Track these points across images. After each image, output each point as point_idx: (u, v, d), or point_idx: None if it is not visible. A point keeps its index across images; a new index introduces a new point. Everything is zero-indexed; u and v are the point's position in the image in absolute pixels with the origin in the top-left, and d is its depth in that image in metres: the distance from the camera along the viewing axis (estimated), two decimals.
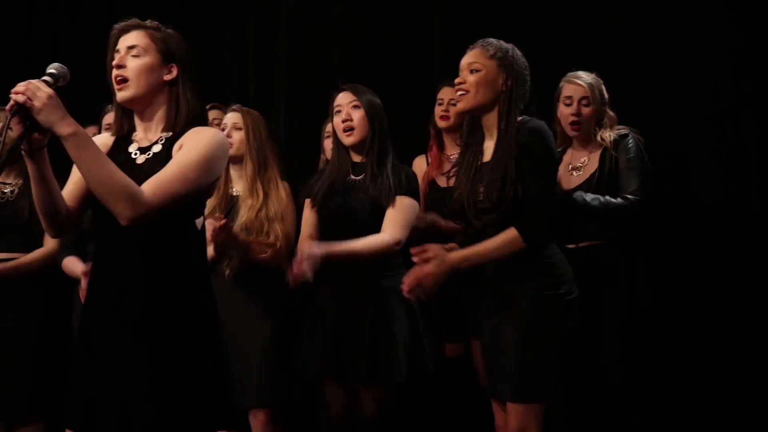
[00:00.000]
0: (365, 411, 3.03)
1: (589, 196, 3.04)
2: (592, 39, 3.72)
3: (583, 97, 3.18)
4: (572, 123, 3.20)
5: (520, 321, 2.50)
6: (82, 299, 3.05)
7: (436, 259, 2.52)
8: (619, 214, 3.06)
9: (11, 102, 1.90)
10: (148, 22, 2.25)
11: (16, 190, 3.40)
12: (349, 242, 2.89)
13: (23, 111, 1.90)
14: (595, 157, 3.21)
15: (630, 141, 3.16)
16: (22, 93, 1.90)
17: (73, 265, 3.34)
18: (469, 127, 2.67)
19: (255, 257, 3.14)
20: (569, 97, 3.20)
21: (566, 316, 2.53)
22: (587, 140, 3.25)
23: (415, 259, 2.56)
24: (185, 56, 2.25)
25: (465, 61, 2.60)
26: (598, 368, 3.14)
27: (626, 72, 3.60)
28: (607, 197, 3.06)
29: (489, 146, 2.60)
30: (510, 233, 2.47)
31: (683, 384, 3.47)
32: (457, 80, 2.61)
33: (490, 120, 2.58)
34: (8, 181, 3.42)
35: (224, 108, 3.53)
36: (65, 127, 1.92)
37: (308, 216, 3.15)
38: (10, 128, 1.92)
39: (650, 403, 3.27)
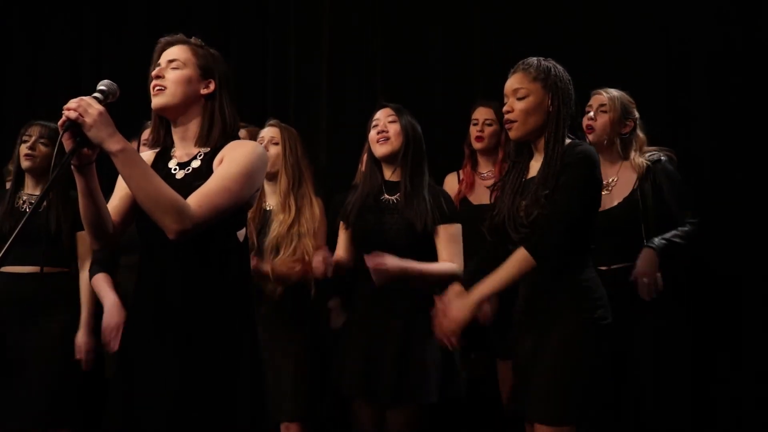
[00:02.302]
0: (393, 431, 3.02)
1: (666, 237, 3.08)
2: (637, 53, 3.74)
3: (602, 104, 3.23)
4: (587, 127, 3.23)
5: (553, 344, 2.46)
6: (105, 340, 3.18)
7: (455, 305, 2.51)
8: (692, 240, 3.11)
9: (63, 118, 1.97)
10: (192, 39, 2.33)
11: (35, 203, 3.43)
12: (422, 263, 2.94)
13: (74, 127, 1.96)
14: (626, 179, 3.21)
15: (667, 165, 3.16)
16: (74, 109, 1.96)
17: (102, 287, 3.32)
18: (517, 146, 2.64)
19: (292, 278, 3.16)
20: (590, 106, 3.27)
21: (600, 340, 2.50)
22: (612, 154, 3.25)
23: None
24: (225, 74, 2.31)
25: (509, 86, 2.57)
26: (630, 392, 3.12)
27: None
28: (679, 229, 3.10)
29: (535, 164, 2.59)
30: (519, 253, 2.44)
31: (717, 410, 3.43)
32: (504, 108, 2.58)
33: (541, 141, 2.56)
34: (37, 193, 3.45)
35: (253, 128, 3.54)
36: (114, 143, 1.98)
37: (341, 237, 3.19)
38: (62, 143, 1.98)
39: (684, 427, 3.24)
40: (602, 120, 3.23)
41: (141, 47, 4.50)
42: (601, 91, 3.26)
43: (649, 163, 3.18)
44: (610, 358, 2.54)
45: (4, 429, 3.38)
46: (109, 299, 3.27)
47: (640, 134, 3.27)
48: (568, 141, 2.51)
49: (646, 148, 3.25)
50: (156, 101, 2.24)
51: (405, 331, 2.97)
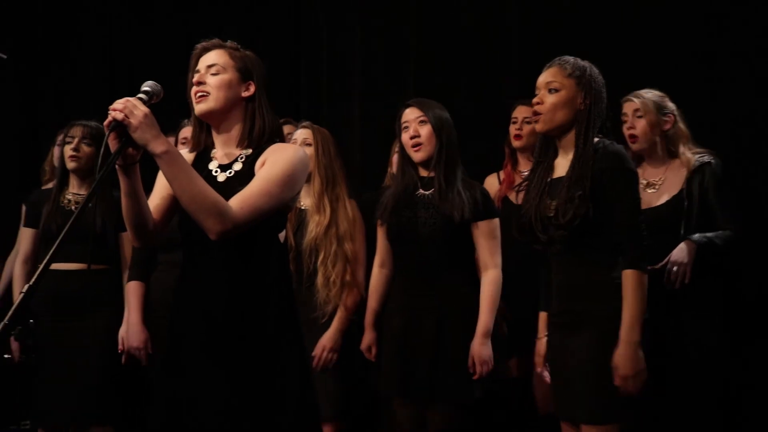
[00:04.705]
0: (432, 430, 3.02)
1: (708, 236, 3.04)
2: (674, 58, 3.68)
3: (635, 110, 3.17)
4: (630, 137, 3.18)
5: (590, 342, 2.46)
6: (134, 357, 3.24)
7: (619, 360, 2.40)
8: (728, 249, 3.07)
9: (109, 118, 1.97)
10: (228, 43, 2.33)
11: (82, 202, 3.46)
12: (483, 309, 2.99)
13: (120, 128, 1.97)
14: (675, 176, 3.17)
15: (716, 168, 3.12)
16: (120, 110, 1.96)
17: (131, 303, 3.36)
18: (542, 144, 2.65)
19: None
20: (625, 114, 3.21)
21: None
22: (656, 153, 3.21)
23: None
24: (262, 75, 2.32)
25: (542, 79, 2.58)
26: (671, 389, 3.08)
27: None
28: (720, 232, 3.06)
29: (561, 163, 2.59)
30: (631, 277, 2.41)
31: (748, 412, 3.39)
32: (534, 100, 2.58)
33: (568, 138, 2.56)
34: (82, 192, 3.52)
35: (296, 123, 3.59)
36: (159, 145, 1.99)
37: (380, 235, 3.20)
38: (108, 144, 1.99)
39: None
40: (641, 125, 3.17)
41: (173, 47, 4.60)
42: (631, 97, 3.20)
43: (699, 163, 3.14)
44: (649, 355, 2.49)
45: (48, 425, 3.43)
46: (133, 318, 3.32)
47: (682, 127, 3.21)
48: (595, 140, 2.51)
49: (695, 149, 3.20)
50: (199, 108, 2.25)
51: (438, 328, 2.98)
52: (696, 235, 3.04)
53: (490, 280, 3.02)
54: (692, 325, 3.09)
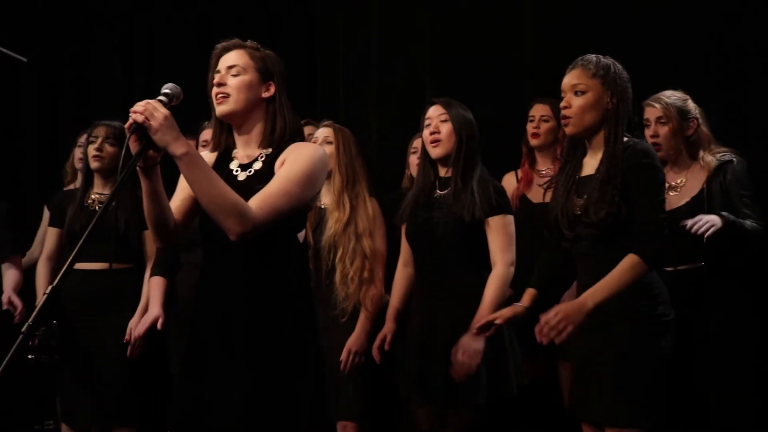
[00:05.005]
0: (451, 431, 3.01)
1: (738, 219, 2.98)
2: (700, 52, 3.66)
3: (658, 117, 3.14)
4: (653, 145, 3.12)
5: (615, 342, 2.44)
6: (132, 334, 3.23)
7: (568, 309, 2.39)
8: (754, 239, 3.01)
9: (130, 120, 1.99)
10: (248, 42, 2.33)
11: (104, 203, 3.49)
12: (483, 305, 2.89)
13: (141, 130, 1.99)
14: (696, 179, 3.14)
15: (737, 167, 3.08)
16: (141, 113, 1.98)
17: (153, 297, 3.36)
18: (570, 143, 2.63)
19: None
20: (647, 119, 3.17)
21: (663, 337, 2.47)
22: (679, 158, 3.19)
23: (545, 335, 2.41)
24: (282, 75, 2.32)
25: (567, 82, 2.55)
26: (695, 392, 3.06)
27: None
28: (749, 221, 3.00)
29: (589, 162, 2.57)
30: (631, 260, 2.38)
31: None
32: (561, 104, 2.56)
33: (597, 138, 2.54)
34: (105, 192, 3.54)
35: (317, 123, 3.60)
36: (179, 147, 2.00)
37: (403, 239, 3.20)
38: (128, 145, 2.00)
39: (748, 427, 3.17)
40: (664, 133, 3.14)
41: (192, 48, 4.62)
42: (653, 102, 3.16)
43: (719, 161, 3.11)
44: (675, 356, 2.50)
45: (71, 425, 3.46)
46: (152, 310, 3.31)
47: (704, 129, 3.18)
48: (625, 139, 2.49)
49: (716, 149, 3.17)
50: (220, 109, 2.25)
51: (454, 329, 2.95)
52: (725, 213, 2.99)
53: (495, 275, 2.96)
54: (721, 324, 3.05)
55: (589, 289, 2.41)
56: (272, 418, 2.13)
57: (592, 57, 2.55)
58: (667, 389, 2.49)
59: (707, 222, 2.89)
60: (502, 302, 2.91)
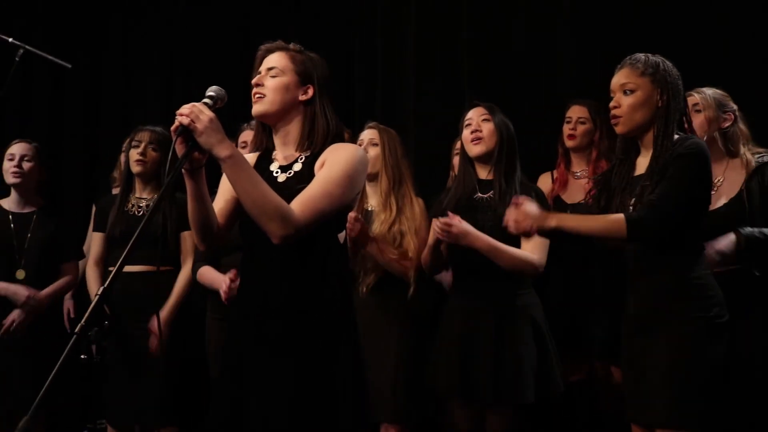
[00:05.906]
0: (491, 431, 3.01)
1: (764, 231, 2.91)
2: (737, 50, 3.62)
3: (695, 104, 3.10)
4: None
5: (669, 343, 2.40)
6: (225, 300, 3.15)
7: (532, 207, 2.49)
8: None
9: (176, 123, 2.02)
10: (291, 45, 2.36)
11: (152, 205, 3.53)
12: (497, 242, 2.91)
13: (186, 132, 2.01)
14: (733, 177, 3.09)
15: None
16: (186, 115, 2.00)
17: (211, 275, 3.41)
18: (624, 144, 2.61)
19: (386, 259, 3.18)
20: None
21: (717, 339, 2.42)
22: (714, 150, 3.11)
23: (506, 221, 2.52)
24: (324, 78, 2.33)
25: (616, 81, 2.55)
26: (743, 394, 3.00)
27: None
28: None
29: (642, 161, 2.55)
30: (617, 217, 2.41)
31: None
32: (611, 104, 2.55)
33: (648, 137, 2.53)
34: (144, 196, 3.58)
35: (349, 131, 3.57)
36: (224, 149, 2.03)
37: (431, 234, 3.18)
38: (175, 148, 2.03)
39: None
40: (698, 120, 3.10)
41: (233, 51, 4.66)
42: (692, 92, 3.13)
43: (760, 162, 3.06)
44: (728, 358, 2.46)
45: (116, 425, 3.51)
46: (221, 276, 3.28)
47: (742, 127, 3.14)
48: (676, 136, 2.47)
49: (755, 149, 3.12)
50: (255, 108, 2.28)
51: (499, 329, 2.96)
52: (747, 228, 2.93)
53: (526, 254, 2.96)
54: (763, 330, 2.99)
55: (563, 214, 2.43)
56: (313, 420, 2.13)
57: (641, 56, 2.55)
58: (722, 391, 2.45)
59: (720, 259, 2.83)
60: (514, 268, 2.94)
